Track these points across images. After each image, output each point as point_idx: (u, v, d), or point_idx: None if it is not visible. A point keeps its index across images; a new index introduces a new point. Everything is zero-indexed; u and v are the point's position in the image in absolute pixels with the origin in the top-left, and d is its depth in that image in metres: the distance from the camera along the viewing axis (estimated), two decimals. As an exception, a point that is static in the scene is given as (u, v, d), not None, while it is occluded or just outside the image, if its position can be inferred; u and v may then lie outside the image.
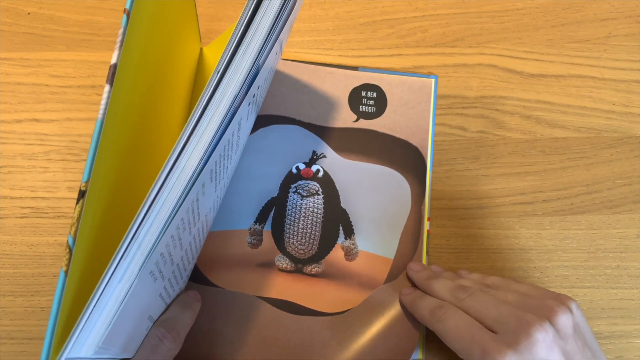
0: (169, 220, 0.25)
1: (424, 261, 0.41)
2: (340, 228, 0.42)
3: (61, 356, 0.23)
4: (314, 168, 0.43)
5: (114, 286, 0.24)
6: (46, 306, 0.40)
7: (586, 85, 0.47)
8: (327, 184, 0.43)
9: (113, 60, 0.26)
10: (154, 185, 0.24)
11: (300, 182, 0.42)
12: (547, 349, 0.30)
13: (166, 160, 0.25)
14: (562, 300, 0.33)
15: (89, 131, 0.44)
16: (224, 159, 0.30)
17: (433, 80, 0.46)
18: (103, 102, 0.25)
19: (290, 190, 0.42)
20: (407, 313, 0.39)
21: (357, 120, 0.44)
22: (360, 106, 0.44)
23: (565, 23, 0.48)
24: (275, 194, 0.42)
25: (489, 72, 0.47)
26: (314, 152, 0.43)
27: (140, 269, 0.24)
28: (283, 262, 0.41)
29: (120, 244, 0.24)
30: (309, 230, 0.41)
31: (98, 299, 0.23)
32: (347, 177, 0.43)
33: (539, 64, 0.47)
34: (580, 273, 0.42)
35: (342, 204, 0.42)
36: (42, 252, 0.41)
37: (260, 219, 0.42)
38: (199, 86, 0.44)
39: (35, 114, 0.44)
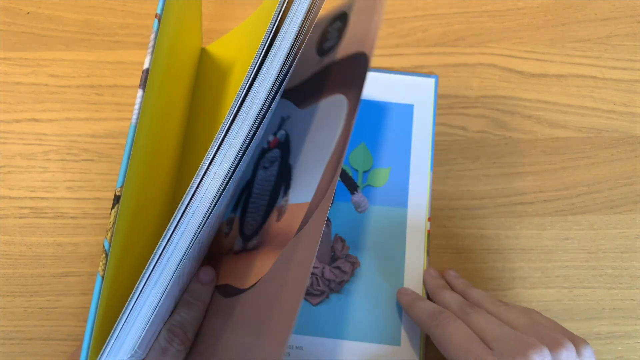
0: (202, 225, 0.25)
1: (424, 262, 0.41)
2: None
3: (100, 358, 0.24)
4: (280, 135, 0.41)
5: (149, 290, 0.25)
6: (45, 306, 0.40)
7: (587, 85, 0.47)
8: (284, 146, 0.40)
9: (145, 65, 0.26)
10: (188, 191, 0.25)
11: (266, 154, 0.40)
12: None
13: (200, 166, 0.25)
14: (573, 340, 0.31)
15: (88, 131, 0.43)
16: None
17: (433, 80, 0.46)
18: (136, 106, 0.26)
19: (260, 166, 0.40)
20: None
21: (321, 59, 0.40)
22: (325, 43, 0.41)
23: (566, 23, 0.48)
24: (249, 177, 0.40)
25: (490, 71, 0.47)
26: (282, 118, 0.41)
27: (174, 273, 0.25)
28: (237, 244, 0.38)
29: (156, 249, 0.25)
30: (262, 203, 0.38)
31: (134, 303, 0.24)
32: (301, 127, 0.39)
33: (539, 63, 0.47)
34: (581, 273, 0.42)
35: (290, 161, 0.38)
36: (41, 253, 0.41)
37: (235, 206, 0.40)
38: (199, 86, 0.44)
39: (35, 114, 0.44)
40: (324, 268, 0.40)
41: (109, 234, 0.25)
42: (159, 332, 0.32)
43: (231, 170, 0.26)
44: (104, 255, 0.24)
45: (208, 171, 0.25)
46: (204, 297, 0.35)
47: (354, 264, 0.41)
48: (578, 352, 0.31)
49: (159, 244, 0.24)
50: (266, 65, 0.26)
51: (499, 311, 0.34)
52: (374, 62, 0.46)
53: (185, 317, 0.33)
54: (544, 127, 0.45)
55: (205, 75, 0.44)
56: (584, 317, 0.41)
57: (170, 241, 0.25)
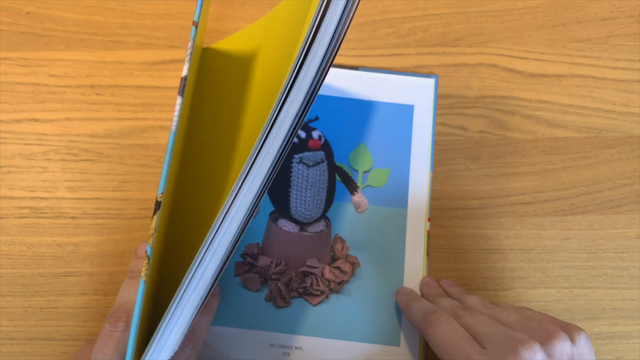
0: (241, 228, 0.26)
1: (424, 262, 0.41)
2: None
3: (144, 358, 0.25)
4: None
5: (190, 293, 0.25)
6: (45, 306, 0.40)
7: (587, 85, 0.47)
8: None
9: (184, 73, 0.27)
10: (230, 194, 0.25)
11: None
12: None
13: (242, 169, 0.25)
14: (567, 329, 0.31)
15: (87, 131, 0.43)
16: None
17: (433, 80, 0.45)
18: (176, 113, 0.26)
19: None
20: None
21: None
22: None
23: (566, 22, 0.48)
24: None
25: (490, 71, 0.47)
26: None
27: (213, 276, 0.26)
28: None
29: (198, 253, 0.25)
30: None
31: (176, 306, 0.25)
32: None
33: (539, 63, 0.47)
34: (581, 273, 0.42)
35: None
36: (41, 253, 0.41)
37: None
38: (200, 86, 0.44)
39: (34, 114, 0.44)
40: (323, 268, 0.40)
41: (152, 239, 0.25)
42: None
43: (277, 159, 0.26)
44: (147, 260, 0.25)
45: (246, 179, 0.25)
46: (212, 306, 0.36)
47: (354, 265, 0.41)
48: (572, 340, 0.31)
49: (200, 248, 0.25)
50: (314, 47, 0.25)
51: (492, 312, 0.34)
52: (375, 62, 0.46)
53: (197, 323, 0.34)
54: (544, 127, 0.45)
55: (204, 76, 0.44)
56: (584, 317, 0.41)
57: (211, 245, 0.25)
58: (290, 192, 0.42)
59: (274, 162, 0.26)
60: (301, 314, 0.39)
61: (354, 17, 0.26)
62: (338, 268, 0.41)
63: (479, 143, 0.45)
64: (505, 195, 0.44)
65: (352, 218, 0.42)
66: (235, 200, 0.25)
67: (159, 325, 0.25)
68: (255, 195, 0.26)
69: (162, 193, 0.26)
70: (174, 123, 0.26)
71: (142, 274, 0.25)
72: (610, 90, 0.46)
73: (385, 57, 0.47)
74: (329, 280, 0.40)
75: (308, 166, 0.42)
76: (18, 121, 0.43)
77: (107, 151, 0.43)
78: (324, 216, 0.42)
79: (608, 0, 0.49)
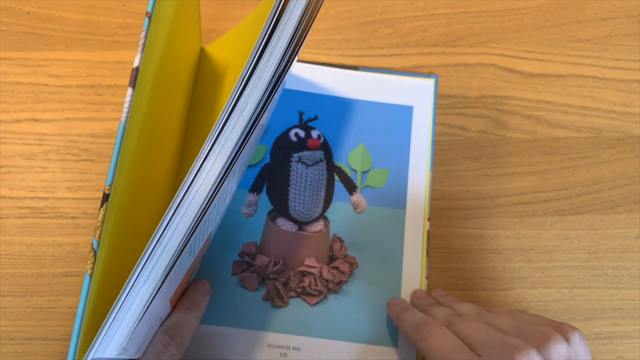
0: (194, 225, 0.25)
1: (424, 262, 0.41)
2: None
3: (88, 356, 0.24)
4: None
5: (139, 288, 0.25)
6: (45, 306, 0.40)
7: (587, 85, 0.47)
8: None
9: (135, 64, 0.26)
10: (181, 188, 0.25)
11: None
12: None
13: (194, 163, 0.25)
14: (561, 329, 0.31)
15: (87, 131, 0.43)
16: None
17: (433, 80, 0.45)
18: (126, 105, 0.26)
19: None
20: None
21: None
22: None
23: (566, 22, 0.48)
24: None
25: (490, 71, 0.47)
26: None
27: (165, 271, 0.25)
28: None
29: (147, 246, 0.24)
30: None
31: (124, 300, 0.24)
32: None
33: (539, 63, 0.47)
34: (581, 273, 0.42)
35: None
36: (41, 253, 0.41)
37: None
38: (199, 85, 0.44)
39: (34, 114, 0.44)
40: (322, 268, 0.40)
41: (98, 232, 0.25)
42: (155, 334, 0.32)
43: (225, 170, 0.25)
44: (93, 254, 0.24)
45: (200, 170, 0.25)
46: (201, 305, 0.36)
47: (352, 265, 0.41)
48: (567, 340, 0.31)
49: (149, 241, 0.24)
50: (261, 65, 0.26)
51: (485, 318, 0.34)
52: (375, 62, 0.46)
53: (182, 321, 0.33)
54: (544, 127, 0.45)
55: (204, 75, 0.44)
56: (584, 317, 0.41)
57: (161, 239, 0.25)
58: (289, 191, 0.42)
59: (230, 155, 0.25)
60: (299, 314, 0.39)
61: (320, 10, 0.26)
62: (336, 268, 0.41)
63: (479, 143, 0.45)
64: (505, 195, 0.44)
65: (350, 218, 0.42)
66: (187, 192, 0.25)
67: (104, 321, 0.24)
68: (211, 188, 0.25)
69: (109, 185, 0.25)
70: (124, 115, 0.25)
71: (88, 267, 0.24)
72: (610, 90, 0.46)
73: (385, 57, 0.47)
74: (327, 280, 0.40)
75: (307, 165, 0.42)
76: (18, 121, 0.43)
77: (107, 151, 0.43)
78: (322, 216, 0.42)
79: (608, 0, 0.49)
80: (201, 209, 0.25)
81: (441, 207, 0.43)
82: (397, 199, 0.42)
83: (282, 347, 0.38)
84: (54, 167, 0.43)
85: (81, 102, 0.44)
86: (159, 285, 0.25)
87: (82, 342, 0.24)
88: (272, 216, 0.42)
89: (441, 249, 0.42)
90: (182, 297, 0.35)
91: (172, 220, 0.25)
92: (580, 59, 0.47)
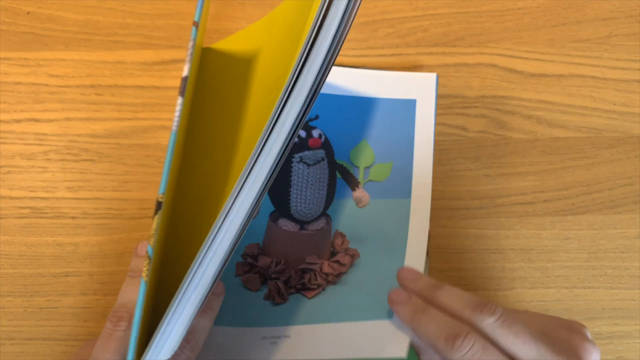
0: (241, 228, 0.26)
1: (424, 262, 0.41)
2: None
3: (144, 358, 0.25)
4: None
5: (190, 293, 0.25)
6: (45, 306, 0.40)
7: (587, 85, 0.47)
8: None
9: (185, 73, 0.26)
10: (231, 195, 0.25)
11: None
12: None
13: (243, 170, 0.25)
14: (587, 338, 0.31)
15: (87, 131, 0.43)
16: None
17: (435, 75, 0.45)
18: (177, 114, 0.26)
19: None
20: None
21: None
22: None
23: (566, 22, 0.48)
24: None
25: (490, 71, 0.47)
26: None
27: (213, 276, 0.26)
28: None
29: (198, 253, 0.25)
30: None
31: (177, 305, 0.25)
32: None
33: (539, 63, 0.47)
34: (581, 273, 0.42)
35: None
36: (41, 253, 0.41)
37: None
38: (200, 86, 0.44)
39: (34, 114, 0.44)
40: (322, 264, 0.40)
41: (152, 240, 0.25)
42: None
43: (278, 159, 0.26)
44: (148, 261, 0.25)
45: (255, 165, 0.25)
46: (215, 307, 0.35)
47: (354, 256, 0.41)
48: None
49: (201, 247, 0.25)
50: (316, 47, 0.25)
51: (517, 322, 0.30)
52: (375, 62, 0.46)
53: (197, 324, 0.33)
54: (544, 127, 0.45)
55: (204, 76, 0.44)
56: (584, 317, 0.41)
57: (211, 245, 0.25)
58: (290, 191, 0.42)
59: (275, 163, 0.26)
60: (296, 307, 0.39)
61: (356, 17, 0.26)
62: (337, 262, 0.41)
63: (479, 143, 0.45)
64: (505, 195, 0.44)
65: (352, 213, 0.42)
66: (236, 201, 0.25)
67: (159, 325, 0.25)
68: (256, 195, 0.26)
69: (162, 193, 0.26)
70: (175, 123, 0.26)
71: (143, 274, 0.25)
72: (610, 90, 0.46)
73: (385, 57, 0.47)
74: (327, 274, 0.40)
75: (308, 165, 0.42)
76: (18, 121, 0.43)
77: (107, 151, 0.43)
78: (324, 213, 0.42)
79: (608, 0, 0.49)
80: (246, 217, 0.26)
81: (441, 207, 0.43)
82: (401, 189, 0.42)
83: (274, 337, 0.38)
84: (54, 167, 0.43)
85: (81, 102, 0.44)
86: (207, 290, 0.26)
87: (139, 348, 0.26)
88: (274, 217, 0.42)
89: (441, 249, 0.42)
90: None
91: (222, 225, 0.25)
92: (580, 59, 0.47)
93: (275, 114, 0.25)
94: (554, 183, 0.44)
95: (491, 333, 0.29)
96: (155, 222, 0.25)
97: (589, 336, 0.32)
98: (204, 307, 0.34)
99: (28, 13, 0.46)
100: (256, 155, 0.25)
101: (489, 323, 0.29)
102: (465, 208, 0.43)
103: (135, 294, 0.33)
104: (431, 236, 0.42)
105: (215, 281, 0.26)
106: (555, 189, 0.44)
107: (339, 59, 0.46)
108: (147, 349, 0.25)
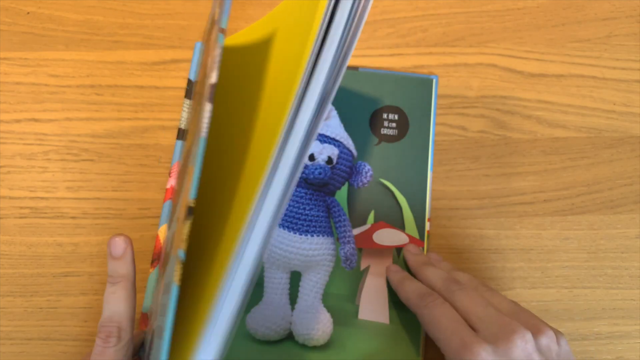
0: (269, 230, 0.26)
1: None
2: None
3: None
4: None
5: (231, 298, 0.25)
6: (45, 306, 0.40)
7: (587, 85, 0.47)
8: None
9: (213, 80, 0.26)
10: (256, 200, 0.25)
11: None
12: (525, 357, 0.30)
13: (264, 174, 0.25)
14: (553, 328, 0.33)
15: (88, 131, 0.43)
16: None
17: (433, 80, 0.45)
18: (206, 120, 0.26)
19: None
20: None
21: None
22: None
23: (566, 22, 0.48)
24: None
25: (490, 71, 0.47)
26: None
27: (246, 280, 0.25)
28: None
29: (232, 259, 0.25)
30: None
31: (216, 315, 0.25)
32: None
33: (539, 63, 0.47)
34: (581, 273, 0.42)
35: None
36: (41, 253, 0.41)
37: None
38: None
39: (34, 114, 0.44)
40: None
41: (184, 245, 0.25)
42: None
43: (289, 179, 0.26)
44: (180, 265, 0.25)
45: (278, 165, 0.25)
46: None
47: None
48: (557, 338, 0.32)
49: (233, 256, 0.25)
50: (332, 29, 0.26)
51: (486, 295, 0.35)
52: (375, 62, 0.46)
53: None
54: (544, 127, 0.45)
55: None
56: (583, 317, 0.41)
57: (242, 253, 0.25)
58: None
59: (299, 152, 0.26)
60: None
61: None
62: None
63: (479, 143, 0.45)
64: (505, 195, 0.44)
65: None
66: (258, 214, 0.25)
67: (204, 331, 0.25)
68: (286, 178, 0.25)
69: (194, 199, 0.25)
70: (204, 129, 0.26)
71: (176, 278, 0.25)
72: (610, 90, 0.46)
73: (385, 57, 0.47)
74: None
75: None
76: (18, 121, 0.43)
77: (107, 151, 0.43)
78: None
79: (608, 0, 0.49)
80: (272, 219, 0.26)
81: (441, 207, 0.43)
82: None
83: None
84: (54, 167, 0.43)
85: (81, 102, 0.44)
86: (242, 296, 0.25)
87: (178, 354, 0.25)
88: None
89: (441, 249, 0.42)
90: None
91: (254, 224, 0.25)
92: (580, 59, 0.47)
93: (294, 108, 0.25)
94: (553, 183, 0.44)
95: (451, 297, 0.34)
96: (187, 227, 0.25)
97: (559, 335, 0.32)
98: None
99: (28, 13, 0.46)
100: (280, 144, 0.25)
101: (452, 290, 0.35)
102: (465, 208, 0.43)
103: (121, 305, 0.31)
104: (431, 236, 0.42)
105: (247, 287, 0.25)
106: (555, 189, 0.44)
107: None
108: (192, 354, 0.24)
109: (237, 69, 0.41)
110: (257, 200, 0.25)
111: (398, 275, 0.39)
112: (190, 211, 0.25)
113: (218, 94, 0.41)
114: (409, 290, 0.37)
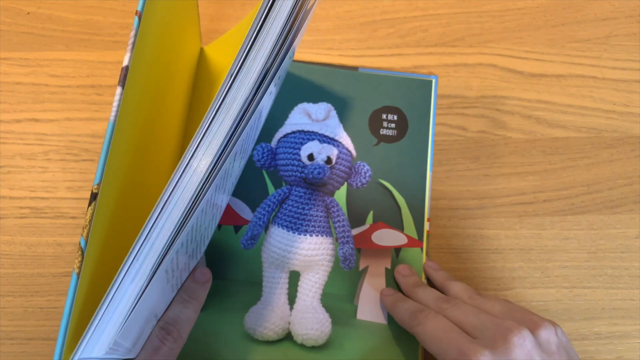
0: (183, 220, 0.25)
1: (424, 262, 0.41)
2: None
3: (74, 356, 0.23)
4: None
5: (126, 286, 0.24)
6: (45, 306, 0.40)
7: (587, 85, 0.47)
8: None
9: (125, 63, 0.26)
10: (166, 188, 0.25)
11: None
12: (525, 356, 0.30)
13: (179, 163, 0.25)
14: (549, 320, 0.33)
15: (88, 131, 0.43)
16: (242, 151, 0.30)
17: (433, 80, 0.45)
18: (115, 104, 0.26)
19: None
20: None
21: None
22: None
23: (565, 23, 0.48)
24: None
25: (490, 71, 0.47)
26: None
27: (152, 269, 0.25)
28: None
29: (133, 244, 0.24)
30: None
31: (111, 300, 0.24)
32: None
33: (539, 63, 0.47)
34: (581, 273, 0.42)
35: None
36: (42, 253, 0.41)
37: None
38: (199, 85, 0.44)
39: (35, 114, 0.44)
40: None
41: (85, 231, 0.24)
42: (152, 331, 0.32)
43: (213, 168, 0.25)
44: (80, 252, 0.24)
45: (188, 167, 0.25)
46: (200, 296, 0.35)
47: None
48: (554, 330, 0.32)
49: (136, 240, 0.24)
50: (248, 61, 0.26)
51: (476, 303, 0.35)
52: (375, 62, 0.46)
53: (180, 315, 0.33)
54: (543, 127, 0.45)
55: (206, 74, 0.44)
56: (583, 317, 0.41)
57: (148, 237, 0.25)
58: None
59: (219, 151, 0.25)
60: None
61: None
62: None
63: (479, 143, 0.45)
64: (505, 195, 0.44)
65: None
66: (175, 189, 0.25)
67: (91, 321, 0.24)
68: (200, 183, 0.25)
69: (97, 184, 0.25)
70: (113, 114, 0.25)
71: (75, 266, 0.24)
72: (610, 90, 0.46)
73: (385, 57, 0.47)
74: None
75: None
76: (18, 121, 0.43)
77: (107, 151, 0.43)
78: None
79: (608, 0, 0.49)
80: (188, 207, 0.25)
81: (441, 207, 0.43)
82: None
83: None
84: (54, 167, 0.43)
85: (81, 102, 0.44)
86: (146, 283, 0.24)
87: (70, 342, 0.24)
88: None
89: (441, 249, 0.42)
90: (180, 289, 0.35)
91: (158, 218, 0.25)
92: (580, 59, 0.47)
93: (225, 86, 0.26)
94: (553, 183, 0.44)
95: (443, 312, 0.34)
96: (89, 214, 0.25)
97: (555, 326, 0.32)
98: (187, 297, 0.34)
99: (28, 13, 0.46)
100: (196, 143, 0.25)
101: (443, 308, 0.35)
102: (465, 208, 0.43)
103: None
104: (431, 236, 0.42)
105: (153, 274, 0.25)
106: (555, 189, 0.44)
107: (339, 59, 0.46)
108: (77, 346, 0.23)
109: (218, 71, 0.41)
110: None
111: (391, 298, 0.39)
112: (93, 197, 0.25)
113: (202, 100, 0.41)
114: (401, 310, 0.37)
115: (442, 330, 0.33)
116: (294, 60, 0.46)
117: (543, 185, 0.44)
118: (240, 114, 0.26)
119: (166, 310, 0.33)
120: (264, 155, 0.42)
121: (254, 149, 0.42)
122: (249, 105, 0.26)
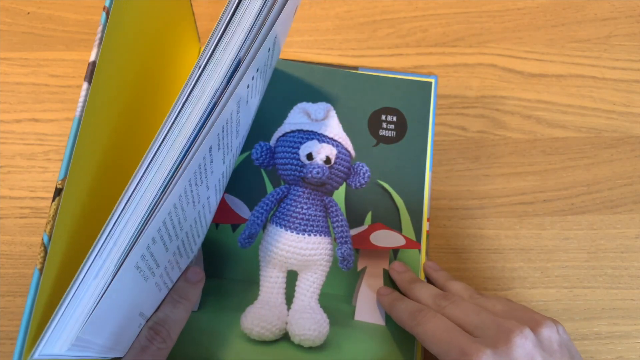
0: (147, 217, 0.24)
1: (423, 262, 0.41)
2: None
3: (34, 353, 0.23)
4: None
5: (89, 282, 0.24)
6: (45, 306, 0.40)
7: (587, 85, 0.47)
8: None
9: (92, 58, 0.25)
10: (129, 185, 0.24)
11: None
12: (526, 355, 0.30)
13: (142, 158, 0.24)
14: (550, 318, 0.32)
15: (88, 131, 0.43)
16: (225, 138, 0.30)
17: (433, 80, 0.45)
18: (81, 100, 0.25)
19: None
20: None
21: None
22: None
23: (565, 23, 0.48)
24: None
25: (489, 71, 0.47)
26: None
27: (116, 265, 0.24)
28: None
29: (96, 240, 0.24)
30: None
31: (73, 295, 0.23)
32: None
33: (539, 63, 0.47)
34: (581, 273, 0.42)
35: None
36: (42, 252, 0.41)
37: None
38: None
39: (35, 114, 0.44)
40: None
41: (49, 227, 0.24)
42: (140, 330, 0.32)
43: (181, 161, 0.25)
44: (43, 248, 0.24)
45: (153, 161, 0.25)
46: (191, 296, 0.35)
47: None
48: (556, 328, 0.32)
49: (99, 234, 0.24)
50: (219, 51, 0.26)
51: (477, 302, 0.35)
52: (374, 62, 0.46)
53: (169, 315, 0.33)
54: (543, 127, 0.45)
55: None
56: (583, 317, 0.41)
57: (112, 232, 0.24)
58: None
59: (186, 146, 0.25)
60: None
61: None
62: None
63: (479, 143, 0.45)
64: (505, 195, 0.44)
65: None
66: (139, 186, 0.24)
67: (51, 318, 0.23)
68: (164, 180, 0.25)
69: (62, 180, 0.24)
70: (78, 110, 0.25)
71: (37, 262, 0.24)
72: (610, 90, 0.46)
73: (385, 57, 0.47)
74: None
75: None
76: (18, 121, 0.43)
77: (107, 151, 0.43)
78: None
79: (608, 0, 0.49)
80: (154, 202, 0.25)
81: (441, 207, 0.43)
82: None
83: None
84: (54, 167, 0.43)
85: (81, 102, 0.44)
86: (110, 279, 0.24)
87: (32, 340, 0.24)
88: None
89: (441, 249, 0.42)
90: (171, 289, 0.35)
91: (122, 213, 0.24)
92: (580, 59, 0.47)
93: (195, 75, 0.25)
94: (553, 183, 0.44)
95: (443, 312, 0.34)
96: (52, 209, 0.24)
97: (557, 324, 0.32)
98: (177, 297, 0.34)
99: (28, 13, 0.46)
100: (160, 140, 0.25)
101: (442, 306, 0.34)
102: (465, 208, 0.43)
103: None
104: (431, 236, 0.42)
105: (117, 271, 0.24)
106: (555, 189, 0.44)
107: (339, 59, 0.46)
108: (39, 341, 0.23)
109: None
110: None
111: (388, 298, 0.38)
112: (57, 192, 0.24)
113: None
114: (400, 310, 0.36)
115: (442, 330, 0.32)
116: (294, 61, 0.46)
117: (543, 185, 0.44)
118: (211, 106, 0.25)
119: (156, 310, 0.33)
120: (263, 153, 0.42)
121: (252, 148, 0.42)
122: (219, 96, 0.26)
